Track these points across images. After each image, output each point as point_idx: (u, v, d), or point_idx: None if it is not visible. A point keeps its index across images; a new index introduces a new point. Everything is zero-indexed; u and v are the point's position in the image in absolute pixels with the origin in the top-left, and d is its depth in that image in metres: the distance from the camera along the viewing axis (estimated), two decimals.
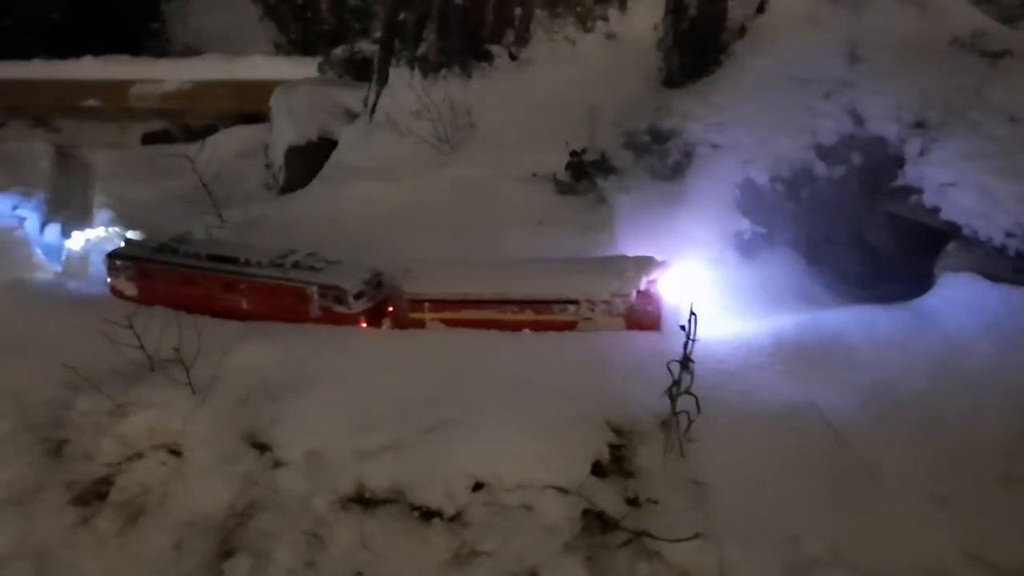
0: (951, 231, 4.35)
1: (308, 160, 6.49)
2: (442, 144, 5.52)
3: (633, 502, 3.29)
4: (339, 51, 7.99)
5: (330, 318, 4.26)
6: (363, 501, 3.36)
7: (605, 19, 5.67)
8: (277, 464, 3.55)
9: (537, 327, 4.10)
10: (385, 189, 5.50)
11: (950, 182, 4.38)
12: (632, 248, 4.50)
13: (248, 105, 8.82)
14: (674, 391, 3.24)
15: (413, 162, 5.59)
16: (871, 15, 5.17)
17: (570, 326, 4.11)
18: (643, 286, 4.01)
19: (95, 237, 5.48)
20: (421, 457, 3.39)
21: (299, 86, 7.38)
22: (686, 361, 3.16)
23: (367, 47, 7.41)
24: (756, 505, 3.19)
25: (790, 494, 3.23)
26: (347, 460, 3.46)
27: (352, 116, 6.59)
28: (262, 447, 3.61)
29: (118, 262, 4.83)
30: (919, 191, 4.47)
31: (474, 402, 3.57)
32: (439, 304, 4.23)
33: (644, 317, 4.03)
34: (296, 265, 4.40)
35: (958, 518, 3.20)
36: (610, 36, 5.70)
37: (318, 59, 8.19)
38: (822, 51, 5.06)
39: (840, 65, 5.02)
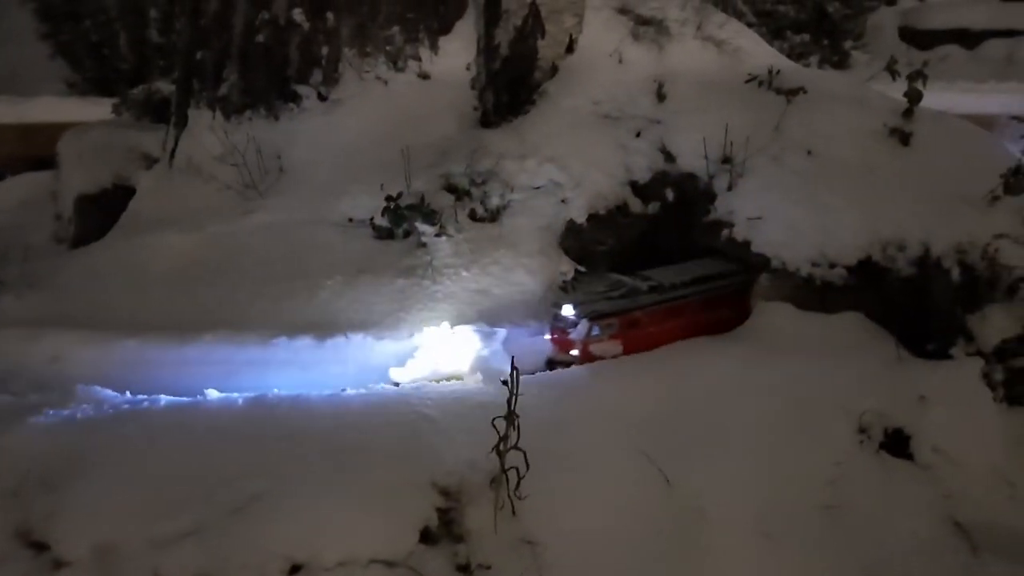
0: (763, 262, 4.50)
1: (102, 209, 5.97)
2: (249, 190, 5.17)
3: (465, 569, 3.10)
4: (136, 91, 7.46)
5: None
6: None
7: (417, 58, 5.55)
8: (58, 564, 3.06)
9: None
10: (188, 239, 5.09)
11: (757, 215, 4.54)
12: (455, 292, 4.39)
13: (38, 150, 8.17)
14: (501, 447, 3.08)
15: (218, 209, 5.20)
16: (673, 54, 5.36)
17: None
18: None
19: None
20: (229, 541, 3.03)
21: (92, 129, 6.82)
22: (512, 416, 3.01)
23: (166, 87, 6.94)
24: (590, 560, 3.08)
25: (623, 544, 3.15)
26: (142, 551, 3.03)
27: (151, 161, 6.11)
28: (39, 545, 3.13)
29: (604, 322, 4.16)
30: (730, 225, 4.61)
31: (287, 472, 3.25)
32: None
33: None
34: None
35: (784, 552, 3.23)
36: (423, 76, 5.58)
37: (116, 100, 7.64)
38: (630, 89, 5.17)
39: (648, 103, 5.15)
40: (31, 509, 3.20)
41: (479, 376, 3.94)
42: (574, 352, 4.15)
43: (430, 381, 3.95)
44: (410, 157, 4.89)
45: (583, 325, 4.15)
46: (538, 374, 4.03)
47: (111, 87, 9.90)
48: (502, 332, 4.17)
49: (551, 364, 4.20)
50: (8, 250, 5.43)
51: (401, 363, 4.10)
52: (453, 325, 4.18)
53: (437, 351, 4.07)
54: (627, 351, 4.19)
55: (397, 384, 3.98)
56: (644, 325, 4.25)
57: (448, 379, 3.99)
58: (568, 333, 4.18)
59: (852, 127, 4.76)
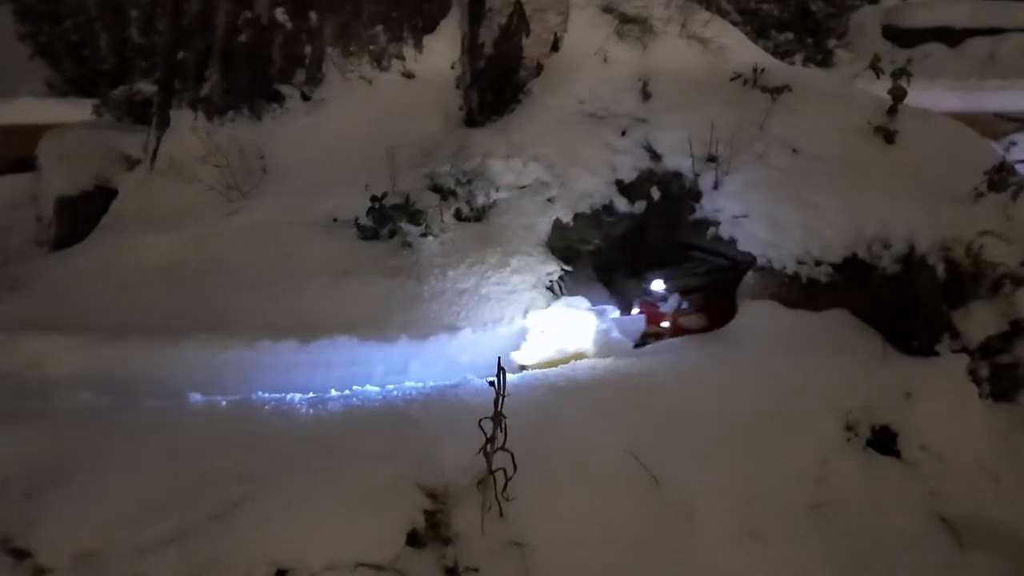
0: (748, 260, 4.49)
1: (83, 211, 5.90)
2: (232, 191, 5.12)
3: (452, 571, 3.07)
4: (118, 92, 7.41)
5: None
6: None
7: (401, 58, 5.52)
8: (39, 571, 3.02)
9: None
10: (171, 241, 5.04)
11: (743, 213, 4.53)
12: (442, 292, 4.36)
13: (18, 151, 8.09)
14: (488, 448, 3.06)
15: (201, 211, 5.15)
16: (658, 53, 5.34)
17: None
18: None
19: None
20: (213, 546, 3.00)
21: (72, 130, 6.76)
22: (498, 417, 2.99)
23: (147, 88, 6.89)
24: (577, 560, 3.06)
25: (611, 544, 3.13)
26: (125, 557, 3.00)
27: (133, 162, 6.06)
28: (20, 553, 3.08)
29: (693, 296, 4.44)
30: (716, 223, 4.61)
31: (272, 476, 3.22)
32: None
33: None
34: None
35: (772, 551, 3.22)
36: (408, 75, 5.55)
37: (97, 101, 7.58)
38: (615, 88, 5.16)
39: (633, 102, 5.13)
40: (11, 515, 3.15)
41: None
42: (665, 324, 4.37)
43: (556, 360, 4.07)
44: (395, 157, 4.86)
45: (673, 299, 4.39)
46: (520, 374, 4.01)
47: (92, 88, 9.82)
48: (611, 308, 4.38)
49: (644, 338, 4.36)
50: None
51: (516, 347, 4.19)
52: (548, 304, 4.32)
53: (553, 331, 4.17)
54: (712, 324, 4.37)
55: (524, 368, 4.07)
56: (711, 303, 4.47)
57: (574, 357, 4.11)
58: (658, 307, 4.39)
59: (837, 125, 4.76)
